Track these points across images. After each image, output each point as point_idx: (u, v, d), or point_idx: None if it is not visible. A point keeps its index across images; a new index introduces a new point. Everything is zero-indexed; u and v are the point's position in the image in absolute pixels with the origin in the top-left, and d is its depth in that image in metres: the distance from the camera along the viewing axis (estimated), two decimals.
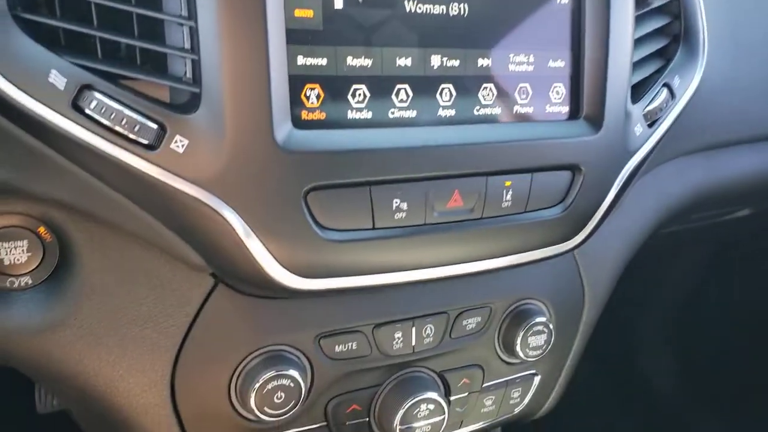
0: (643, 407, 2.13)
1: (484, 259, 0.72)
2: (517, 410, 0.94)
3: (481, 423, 0.91)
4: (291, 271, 0.62)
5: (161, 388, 0.70)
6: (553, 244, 0.76)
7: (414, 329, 0.79)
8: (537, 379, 0.94)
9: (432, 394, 0.79)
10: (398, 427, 0.78)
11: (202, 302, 0.70)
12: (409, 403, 0.78)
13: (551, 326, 0.86)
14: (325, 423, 0.79)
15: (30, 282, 0.64)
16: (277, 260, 0.61)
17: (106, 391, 0.68)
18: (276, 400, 0.70)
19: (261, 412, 0.70)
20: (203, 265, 0.64)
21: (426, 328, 0.80)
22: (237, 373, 0.71)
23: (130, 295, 0.67)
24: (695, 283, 2.06)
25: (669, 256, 2.02)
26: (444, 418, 0.81)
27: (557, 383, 0.99)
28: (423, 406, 0.79)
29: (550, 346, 0.87)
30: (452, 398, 0.85)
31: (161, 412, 0.71)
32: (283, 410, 0.71)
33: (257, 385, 0.69)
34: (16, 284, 0.63)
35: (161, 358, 0.69)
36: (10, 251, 0.62)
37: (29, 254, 0.63)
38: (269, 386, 0.69)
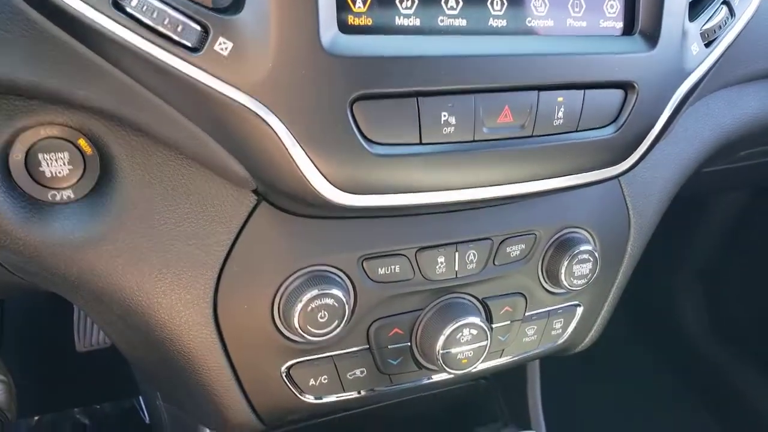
0: (675, 354, 2.11)
1: (533, 180, 0.69)
2: (558, 342, 0.93)
3: (522, 353, 0.90)
4: (335, 185, 0.60)
5: (204, 306, 0.69)
6: (604, 167, 0.73)
7: (457, 254, 0.78)
8: (579, 311, 0.92)
9: (475, 319, 0.78)
10: (440, 352, 0.78)
11: (244, 220, 0.69)
12: (452, 328, 0.77)
13: (597, 255, 0.84)
14: (367, 346, 0.78)
15: (72, 196, 0.63)
16: (321, 172, 0.59)
17: (149, 306, 0.68)
18: (319, 320, 0.69)
19: (304, 332, 0.69)
20: (247, 178, 0.63)
21: (469, 254, 0.78)
22: (280, 292, 0.70)
23: (173, 211, 0.66)
24: (731, 229, 2.01)
25: (706, 201, 1.97)
26: (486, 344, 0.80)
27: (600, 316, 0.97)
28: (465, 331, 0.78)
29: (594, 276, 0.85)
30: (494, 326, 0.84)
31: (204, 331, 0.70)
32: (327, 330, 0.70)
33: (301, 304, 0.69)
34: (58, 197, 0.63)
35: (204, 276, 0.68)
36: (51, 163, 0.61)
37: (70, 167, 0.62)
38: (313, 305, 0.69)
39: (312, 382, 0.77)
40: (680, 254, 2.07)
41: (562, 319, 0.91)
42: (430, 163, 0.63)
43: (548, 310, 0.89)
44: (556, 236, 0.84)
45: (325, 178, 0.60)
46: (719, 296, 2.05)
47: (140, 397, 1.76)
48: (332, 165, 0.59)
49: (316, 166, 0.59)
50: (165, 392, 0.96)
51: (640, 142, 0.74)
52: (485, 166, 0.66)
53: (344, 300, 0.70)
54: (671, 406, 2.02)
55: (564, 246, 0.83)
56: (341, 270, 0.73)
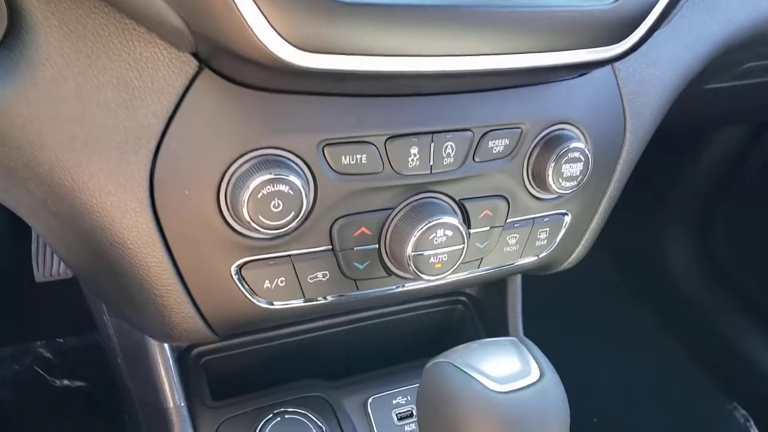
0: (660, 293, 2.07)
1: (519, 53, 0.60)
2: (542, 254, 0.85)
3: (502, 264, 0.82)
4: (285, 39, 0.50)
5: (138, 189, 0.60)
6: (598, 46, 0.64)
7: (433, 146, 0.68)
8: (567, 220, 0.83)
9: (450, 219, 0.70)
10: (411, 254, 0.69)
11: (184, 89, 0.59)
12: (425, 227, 0.69)
13: (589, 154, 0.75)
14: (330, 247, 0.70)
15: None
16: (267, 20, 0.49)
17: (74, 186, 0.59)
18: (273, 209, 0.60)
19: (255, 222, 0.60)
20: (184, 33, 0.53)
21: (446, 146, 0.69)
22: (227, 177, 0.61)
23: (96, 74, 0.56)
24: (723, 168, 1.95)
25: (700, 139, 1.90)
26: (462, 248, 0.71)
27: (588, 229, 0.89)
28: (440, 232, 0.69)
29: (585, 179, 0.76)
30: (472, 231, 0.76)
31: (139, 219, 0.61)
32: (281, 222, 0.61)
33: (249, 191, 0.59)
34: None
35: (137, 153, 0.59)
36: None
37: None
38: (265, 191, 0.59)
39: (267, 284, 0.69)
40: (670, 192, 2.01)
41: (548, 229, 0.83)
42: (401, 18, 0.53)
43: (533, 218, 0.80)
44: (545, 132, 0.75)
45: (272, 27, 0.50)
46: (707, 235, 1.99)
47: None
48: (282, 11, 0.50)
49: (261, 10, 0.49)
50: (109, 302, 0.88)
51: (641, 21, 0.65)
52: (464, 30, 0.56)
53: (302, 189, 0.61)
54: (652, 343, 1.99)
55: (552, 143, 0.74)
56: (298, 156, 0.63)
